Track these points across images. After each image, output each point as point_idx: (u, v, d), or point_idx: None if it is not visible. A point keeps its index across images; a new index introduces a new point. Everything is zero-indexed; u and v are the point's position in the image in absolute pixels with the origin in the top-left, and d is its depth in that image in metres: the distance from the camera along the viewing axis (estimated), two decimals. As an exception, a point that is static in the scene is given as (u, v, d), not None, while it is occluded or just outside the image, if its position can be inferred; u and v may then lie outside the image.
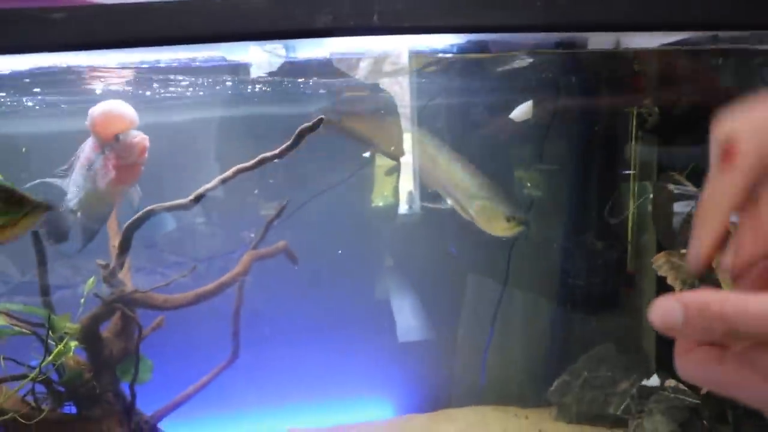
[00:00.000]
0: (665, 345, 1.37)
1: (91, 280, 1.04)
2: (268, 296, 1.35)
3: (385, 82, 1.32)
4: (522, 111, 1.25)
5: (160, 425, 1.18)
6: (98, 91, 1.24)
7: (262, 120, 1.43)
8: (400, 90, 1.36)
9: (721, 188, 0.35)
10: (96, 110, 0.95)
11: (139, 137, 0.96)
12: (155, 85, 1.25)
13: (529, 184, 1.49)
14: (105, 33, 0.75)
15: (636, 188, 1.47)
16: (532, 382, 1.51)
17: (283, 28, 0.76)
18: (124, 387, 1.12)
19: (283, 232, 1.21)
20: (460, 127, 1.46)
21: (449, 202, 1.30)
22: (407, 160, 1.48)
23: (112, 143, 0.95)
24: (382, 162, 1.52)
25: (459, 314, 1.54)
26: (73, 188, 1.02)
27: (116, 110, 0.95)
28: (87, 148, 1.01)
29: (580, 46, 1.07)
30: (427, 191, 1.37)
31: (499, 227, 1.24)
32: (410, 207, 1.51)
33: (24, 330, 1.03)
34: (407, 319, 1.65)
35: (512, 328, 1.51)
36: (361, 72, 1.14)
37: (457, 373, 1.53)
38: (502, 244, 1.37)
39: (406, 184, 1.56)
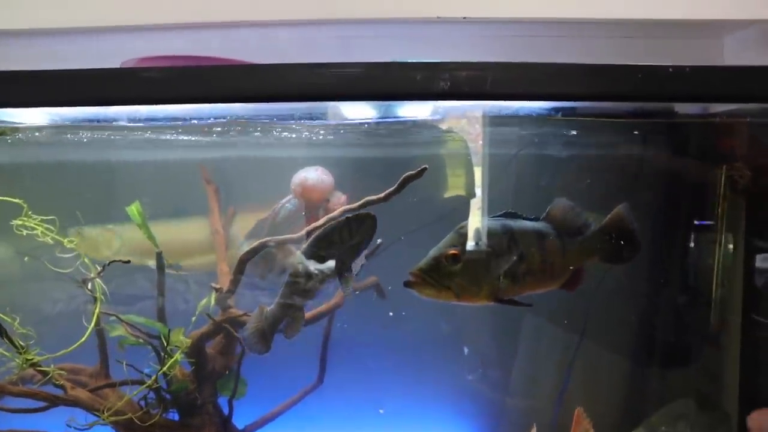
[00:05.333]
0: (747, 406, 1.34)
1: (204, 300, 1.14)
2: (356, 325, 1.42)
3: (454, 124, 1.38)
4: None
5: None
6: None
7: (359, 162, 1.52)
8: (469, 127, 1.41)
9: None
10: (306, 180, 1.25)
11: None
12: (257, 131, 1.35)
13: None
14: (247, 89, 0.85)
15: (722, 242, 1.46)
16: (605, 430, 1.50)
17: (405, 90, 0.84)
18: (222, 401, 1.22)
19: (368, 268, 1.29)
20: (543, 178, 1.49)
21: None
22: (476, 199, 1.53)
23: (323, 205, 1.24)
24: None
25: (534, 355, 1.56)
26: None
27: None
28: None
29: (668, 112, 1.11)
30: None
31: None
32: (477, 244, 1.54)
33: (141, 340, 1.15)
34: (480, 351, 1.67)
35: (588, 373, 1.51)
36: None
37: (529, 415, 1.54)
38: (581, 290, 1.39)
39: (474, 221, 1.61)
